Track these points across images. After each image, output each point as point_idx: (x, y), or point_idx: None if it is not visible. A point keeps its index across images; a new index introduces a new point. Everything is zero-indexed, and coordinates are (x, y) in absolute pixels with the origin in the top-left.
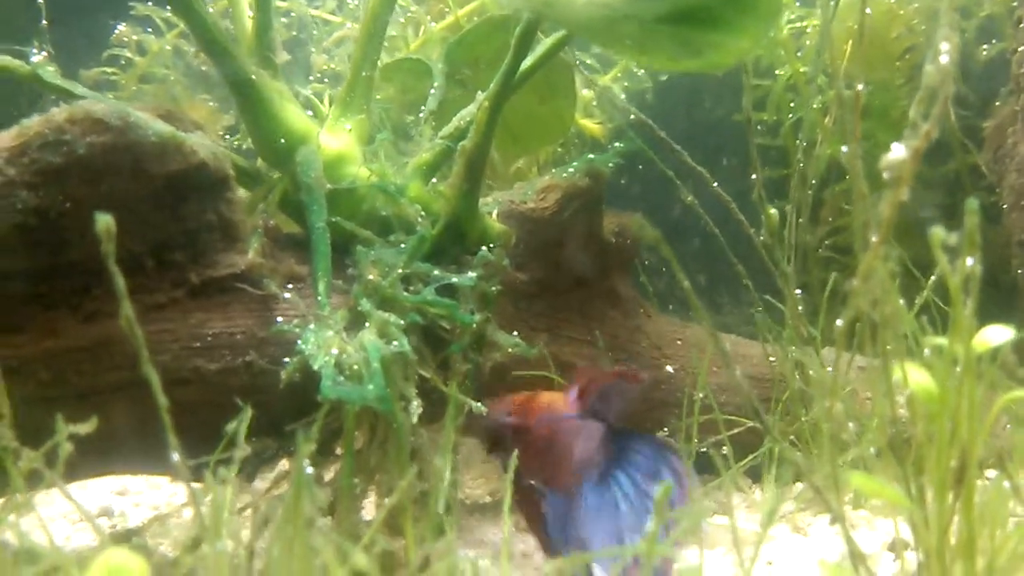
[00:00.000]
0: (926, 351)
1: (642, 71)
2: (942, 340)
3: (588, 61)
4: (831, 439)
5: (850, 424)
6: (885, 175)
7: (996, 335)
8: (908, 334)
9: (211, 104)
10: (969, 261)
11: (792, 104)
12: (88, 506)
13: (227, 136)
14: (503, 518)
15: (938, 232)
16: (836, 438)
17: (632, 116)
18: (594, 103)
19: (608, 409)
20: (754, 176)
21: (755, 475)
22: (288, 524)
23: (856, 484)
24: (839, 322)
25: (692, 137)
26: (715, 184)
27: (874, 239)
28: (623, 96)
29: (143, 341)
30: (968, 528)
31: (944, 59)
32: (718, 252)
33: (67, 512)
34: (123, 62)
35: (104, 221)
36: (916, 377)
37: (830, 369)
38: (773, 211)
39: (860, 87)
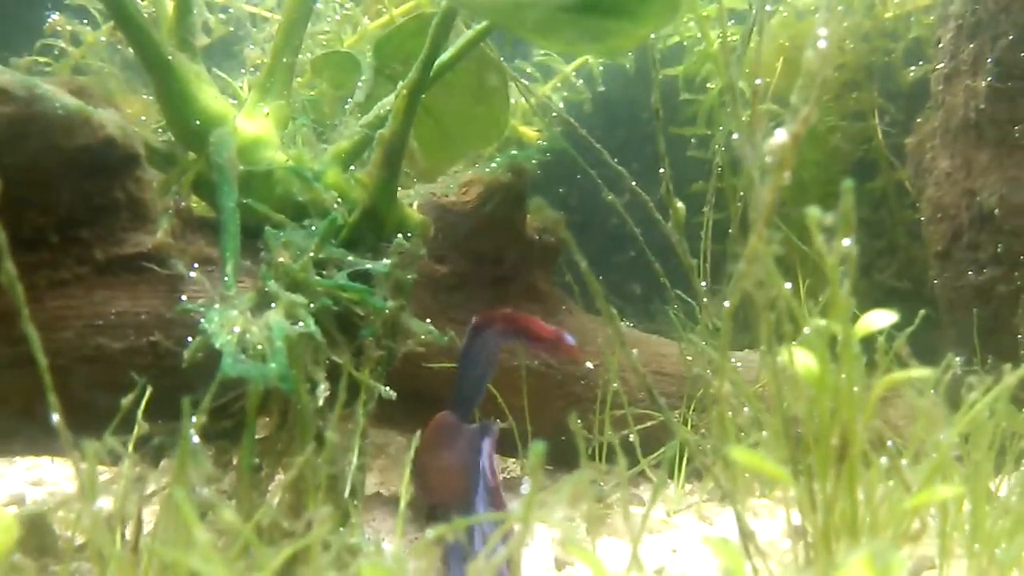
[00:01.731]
0: (805, 330)
1: (581, 82)
2: (822, 321)
3: (528, 70)
4: (720, 420)
5: (744, 409)
6: (767, 159)
7: (879, 319)
8: (793, 317)
9: (147, 97)
10: (845, 242)
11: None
12: None
13: (160, 131)
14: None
15: (814, 212)
16: (727, 420)
17: (569, 124)
18: (533, 113)
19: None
20: (661, 171)
21: (696, 475)
22: (172, 491)
23: (736, 458)
24: (726, 303)
25: (630, 147)
26: (634, 183)
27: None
28: (562, 106)
29: (26, 314)
30: (851, 506)
31: (822, 44)
32: (653, 263)
33: None
34: (56, 52)
35: None
36: (801, 358)
37: (737, 363)
38: (680, 205)
39: (758, 81)
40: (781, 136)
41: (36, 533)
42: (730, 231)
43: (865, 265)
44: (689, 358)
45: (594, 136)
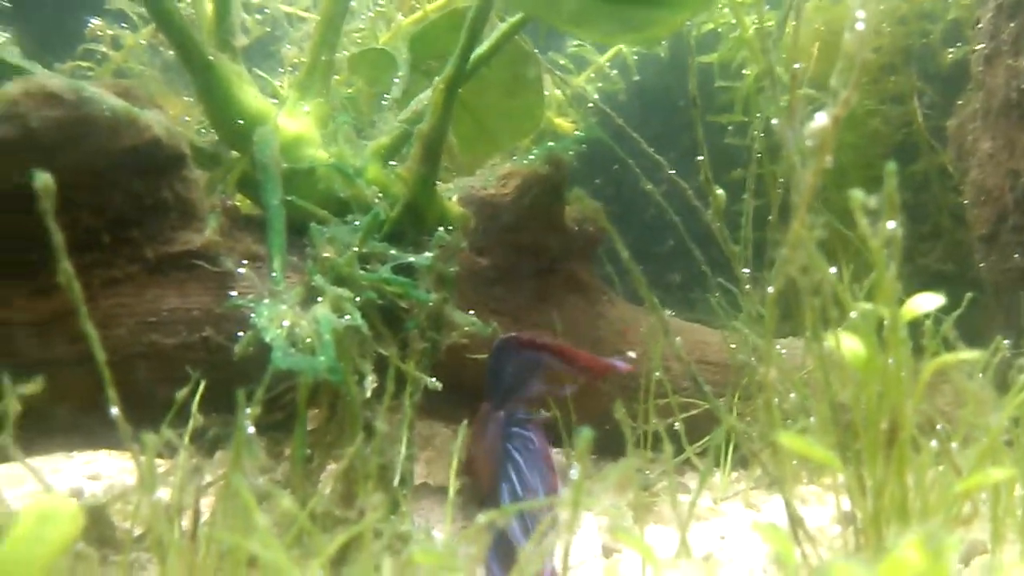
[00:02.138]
0: (852, 314)
1: (615, 72)
2: (869, 305)
3: (562, 62)
4: (767, 407)
5: (791, 395)
6: (808, 143)
7: (926, 302)
8: (838, 301)
9: (188, 99)
10: (890, 224)
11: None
12: (58, 488)
13: (204, 131)
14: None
15: (858, 195)
16: (775, 406)
17: (605, 114)
18: (567, 103)
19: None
20: (700, 158)
21: (742, 463)
22: (228, 480)
23: (784, 444)
24: (769, 289)
25: (666, 136)
26: (671, 172)
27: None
28: (596, 97)
29: (86, 313)
30: (901, 490)
31: (860, 27)
32: (692, 252)
33: (33, 492)
34: (98, 57)
35: (42, 179)
36: (848, 343)
37: (782, 350)
38: (720, 192)
39: (797, 65)
40: (821, 119)
41: (96, 525)
42: (770, 218)
43: (909, 249)
44: (733, 346)
45: (630, 126)
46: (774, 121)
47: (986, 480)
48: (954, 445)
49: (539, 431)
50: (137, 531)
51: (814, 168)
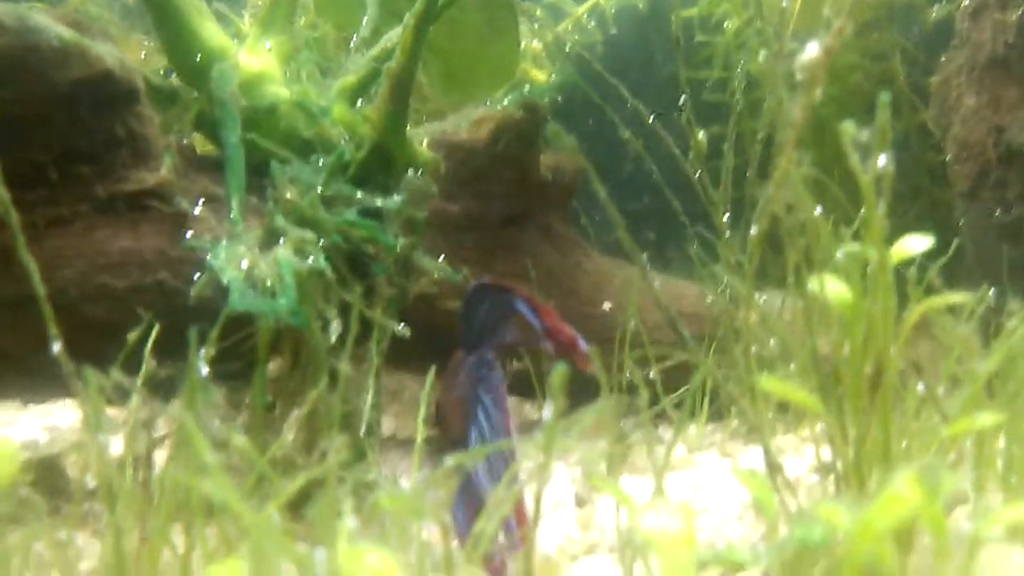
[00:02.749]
0: (838, 254)
1: (592, 24)
2: (855, 245)
3: (538, 13)
4: (746, 351)
5: (771, 341)
6: (798, 76)
7: (915, 244)
8: (823, 243)
9: (148, 44)
10: (881, 159)
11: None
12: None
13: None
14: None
15: (848, 127)
16: (754, 353)
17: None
18: (544, 54)
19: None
20: (683, 98)
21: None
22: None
23: (766, 387)
24: (753, 230)
25: (643, 91)
26: (652, 116)
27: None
28: (574, 46)
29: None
30: (884, 434)
31: None
32: (668, 210)
33: None
34: (54, 1)
35: None
36: (833, 286)
37: (763, 298)
38: (701, 136)
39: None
40: (813, 50)
41: (48, 475)
42: (747, 174)
43: (888, 207)
44: (709, 297)
45: (607, 81)
46: (762, 55)
47: (973, 426)
48: (940, 389)
49: (499, 373)
50: (92, 483)
51: (803, 102)
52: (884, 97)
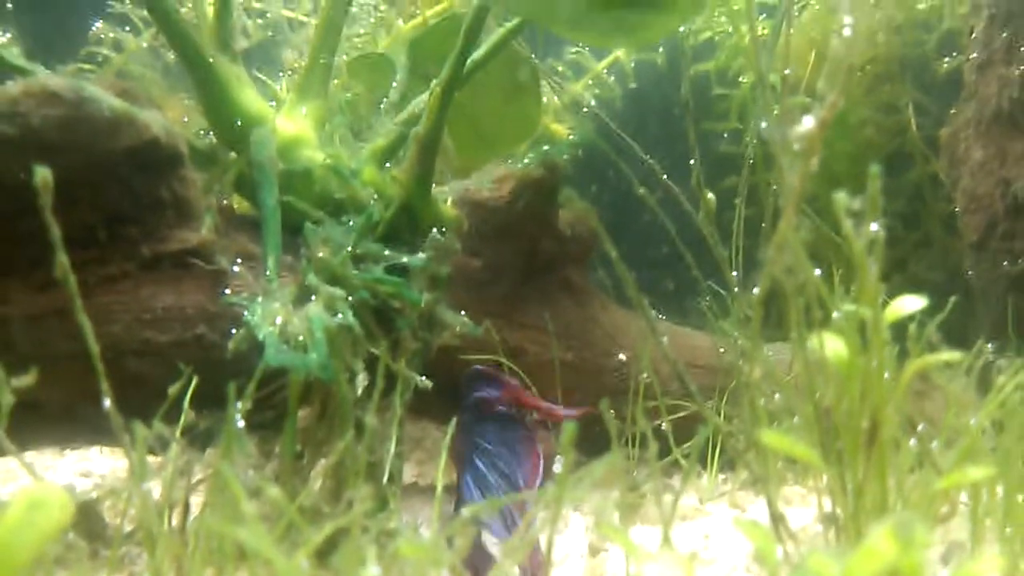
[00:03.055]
0: (835, 315)
1: (612, 79)
2: (852, 305)
3: (560, 68)
4: (751, 405)
5: (776, 396)
6: (795, 147)
7: (909, 304)
8: (823, 303)
9: (188, 102)
10: (873, 226)
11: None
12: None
13: (203, 133)
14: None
15: (842, 197)
16: (758, 406)
17: (601, 120)
18: (564, 110)
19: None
20: (692, 161)
21: (730, 466)
22: (218, 473)
23: (767, 442)
24: (755, 290)
25: (662, 144)
26: (664, 176)
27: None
28: (593, 103)
29: (81, 309)
30: (881, 489)
31: (848, 32)
32: (686, 260)
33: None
34: (100, 60)
35: (41, 173)
36: (831, 343)
37: (769, 352)
38: (711, 196)
39: (787, 71)
40: (808, 123)
41: (86, 519)
42: (763, 225)
43: (900, 258)
44: (722, 350)
45: (626, 133)
46: (763, 124)
47: (965, 479)
48: (934, 444)
49: (522, 426)
50: (128, 527)
51: (800, 170)
52: (875, 169)
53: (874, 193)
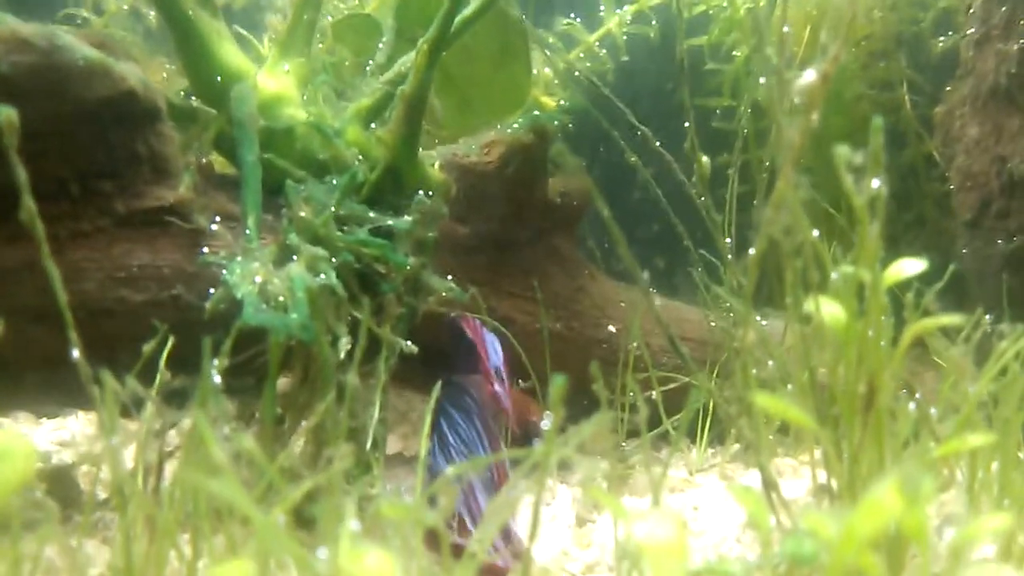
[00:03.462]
0: (833, 275)
1: (604, 52)
2: (850, 267)
3: (551, 40)
4: (743, 370)
5: (769, 363)
6: (796, 100)
7: (909, 266)
8: (820, 264)
9: (169, 66)
10: (875, 182)
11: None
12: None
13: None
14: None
15: (843, 151)
16: (750, 373)
17: (592, 88)
18: (555, 81)
19: None
20: (687, 124)
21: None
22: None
23: (761, 404)
24: (751, 251)
25: (653, 119)
26: (657, 143)
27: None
28: (584, 77)
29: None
30: (878, 454)
31: None
32: (677, 237)
33: None
34: (79, 22)
35: (5, 113)
36: (827, 307)
37: (762, 321)
38: (705, 159)
39: (786, 29)
40: (810, 76)
41: (60, 486)
42: (755, 202)
43: (893, 237)
44: (712, 323)
45: (617, 108)
46: (762, 80)
47: (963, 446)
48: (933, 410)
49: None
50: (103, 495)
51: (800, 125)
52: (878, 122)
53: (876, 147)
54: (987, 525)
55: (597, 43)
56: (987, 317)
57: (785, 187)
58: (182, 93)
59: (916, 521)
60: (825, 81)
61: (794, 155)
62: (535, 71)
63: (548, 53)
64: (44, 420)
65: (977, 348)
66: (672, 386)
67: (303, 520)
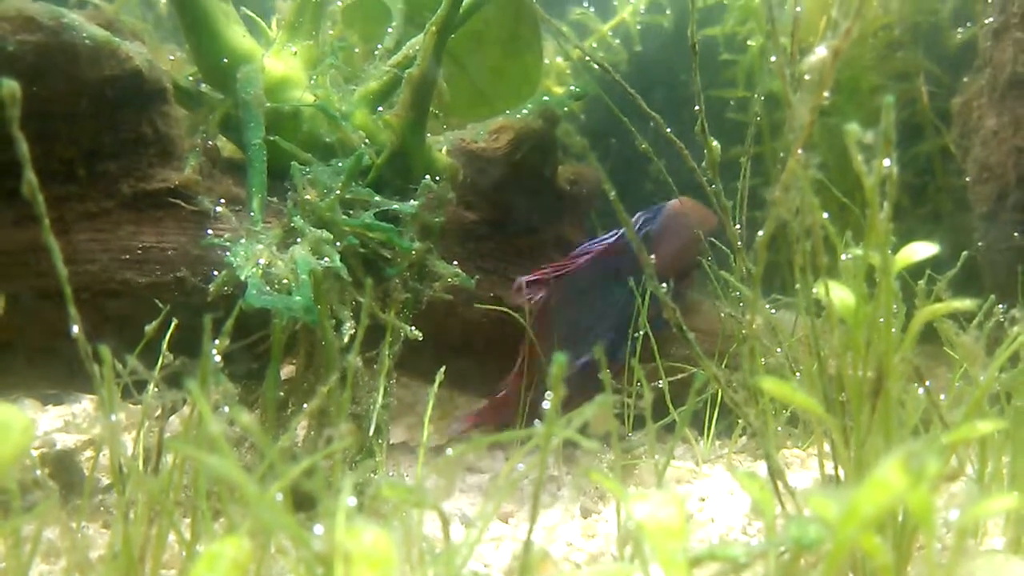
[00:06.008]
0: (844, 258)
1: (617, 42)
2: (860, 250)
3: (564, 29)
4: (751, 355)
5: (778, 350)
6: (806, 78)
7: (921, 250)
8: (829, 246)
9: (180, 55)
10: (886, 162)
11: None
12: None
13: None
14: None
15: (853, 128)
16: (758, 359)
17: (605, 77)
18: (567, 71)
19: None
20: (697, 108)
21: (727, 432)
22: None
23: (767, 388)
24: (760, 233)
25: (667, 110)
26: (667, 129)
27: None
28: (596, 67)
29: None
30: (885, 439)
31: None
32: None
33: None
34: (90, 9)
35: (8, 86)
36: (836, 290)
37: (772, 309)
38: (715, 143)
39: (798, 9)
40: (821, 52)
41: (63, 471)
42: (767, 193)
43: (908, 230)
44: (722, 313)
45: (630, 98)
46: (772, 58)
47: (973, 432)
48: (942, 396)
49: None
50: (104, 480)
51: (810, 103)
52: (889, 100)
53: (887, 126)
54: (994, 505)
55: (611, 33)
56: (1000, 307)
57: (794, 166)
58: (190, 78)
59: (921, 501)
60: (835, 56)
61: (804, 133)
62: (547, 61)
63: (561, 44)
64: (49, 407)
65: (989, 338)
66: (682, 376)
67: (304, 501)
